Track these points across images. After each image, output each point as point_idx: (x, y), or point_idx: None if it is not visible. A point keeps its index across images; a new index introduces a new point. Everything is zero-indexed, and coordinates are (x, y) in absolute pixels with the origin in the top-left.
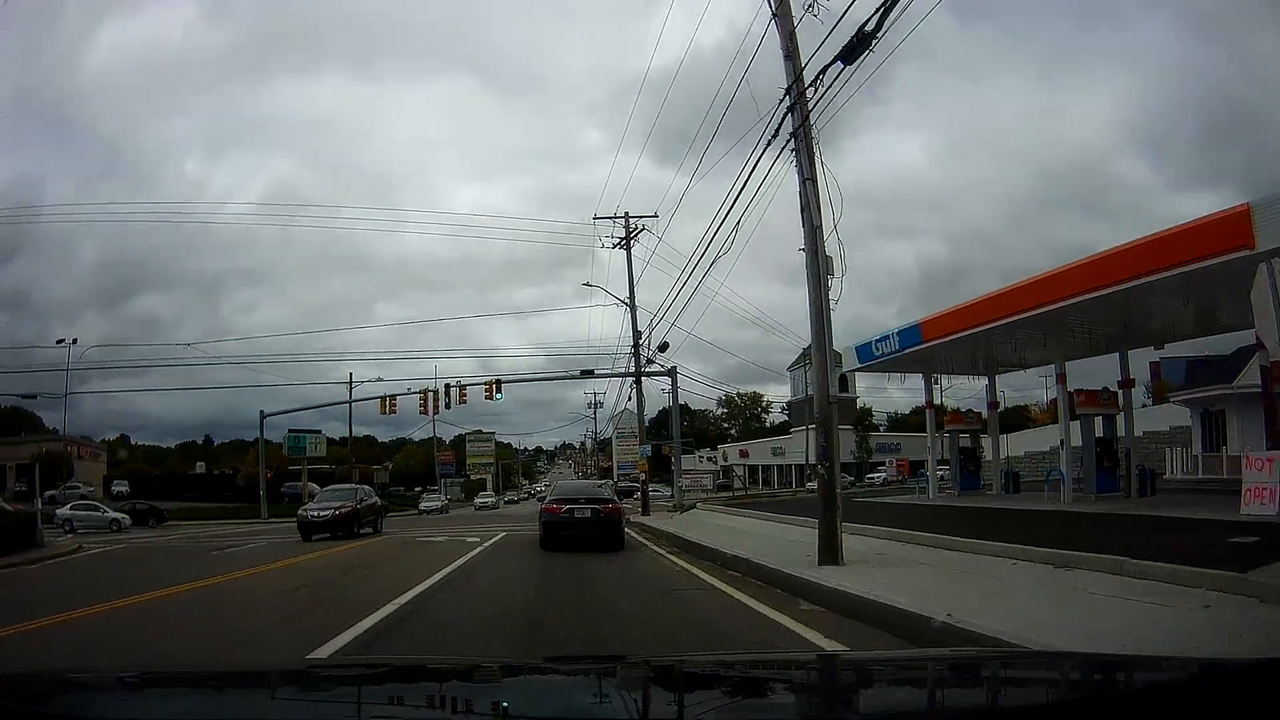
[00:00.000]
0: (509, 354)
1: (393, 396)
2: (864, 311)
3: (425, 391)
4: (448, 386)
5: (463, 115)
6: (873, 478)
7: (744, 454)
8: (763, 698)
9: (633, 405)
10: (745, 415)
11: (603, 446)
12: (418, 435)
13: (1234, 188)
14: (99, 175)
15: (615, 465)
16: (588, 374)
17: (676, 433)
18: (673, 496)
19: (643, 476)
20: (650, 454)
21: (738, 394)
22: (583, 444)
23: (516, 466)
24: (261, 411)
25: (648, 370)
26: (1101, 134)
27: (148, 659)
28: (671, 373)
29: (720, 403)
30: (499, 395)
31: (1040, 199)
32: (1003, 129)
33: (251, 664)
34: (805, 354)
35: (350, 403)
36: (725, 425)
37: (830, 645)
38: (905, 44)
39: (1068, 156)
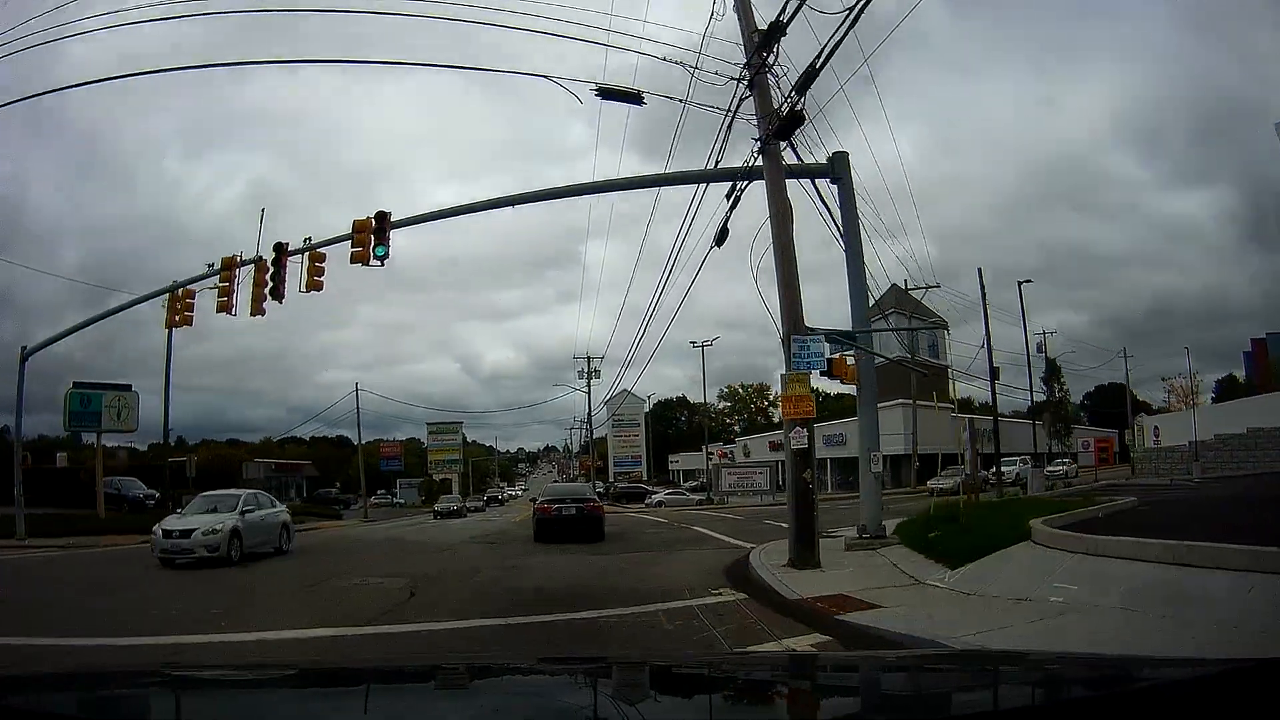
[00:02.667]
0: (490, 348)
1: (186, 286)
2: (847, 312)
3: (235, 263)
4: (280, 250)
5: (441, 111)
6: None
7: (775, 446)
8: (750, 698)
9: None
10: (750, 409)
11: (588, 448)
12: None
13: (1228, 185)
14: (77, 173)
15: (612, 461)
16: (610, 90)
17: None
18: (866, 485)
19: (800, 442)
20: (827, 367)
21: (741, 385)
22: (566, 446)
23: (492, 466)
24: (23, 348)
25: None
26: (1093, 129)
27: None
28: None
29: (721, 395)
30: (380, 250)
31: (1030, 195)
32: (992, 124)
33: (247, 664)
34: (894, 290)
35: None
36: (727, 420)
37: None
38: (893, 36)
39: (1058, 152)
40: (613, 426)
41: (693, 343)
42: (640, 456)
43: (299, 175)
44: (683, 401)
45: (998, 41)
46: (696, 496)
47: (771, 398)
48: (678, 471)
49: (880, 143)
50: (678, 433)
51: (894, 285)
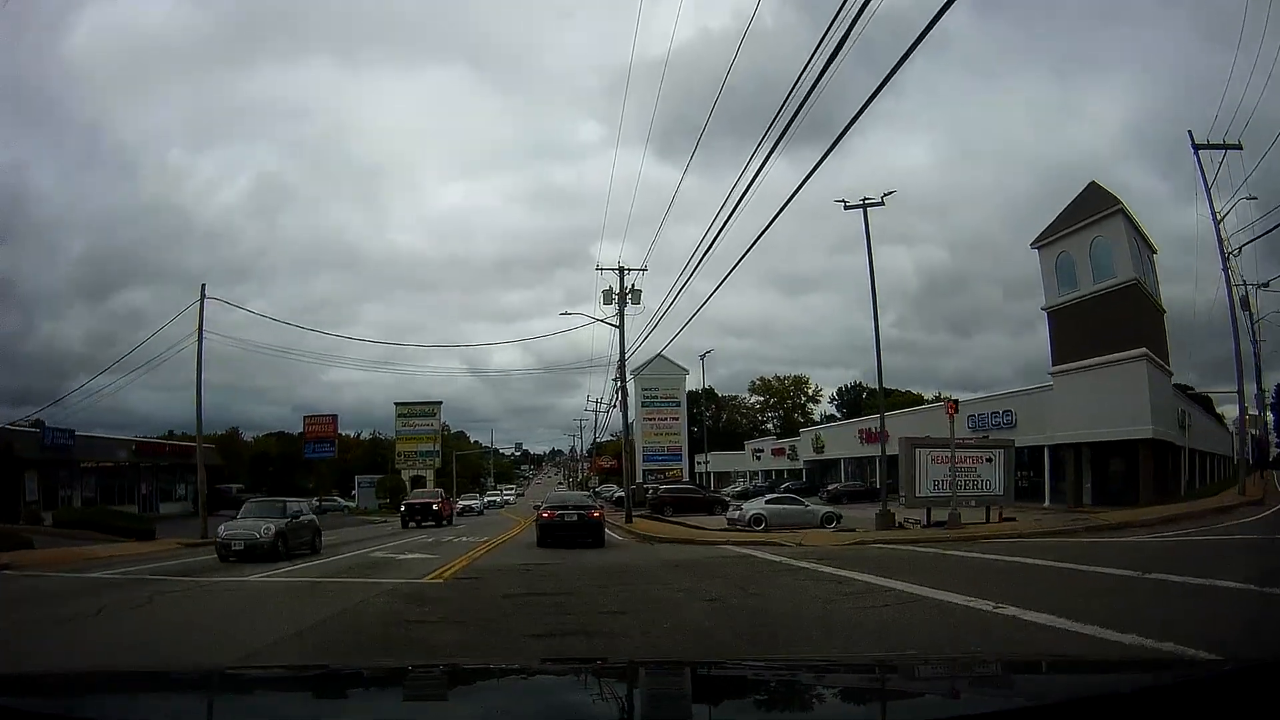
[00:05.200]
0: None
1: None
2: (856, 322)
3: None
4: None
5: (451, 107)
6: None
7: (870, 436)
8: (755, 697)
9: None
10: (787, 404)
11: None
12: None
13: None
14: (80, 165)
15: (641, 453)
16: None
17: None
18: None
19: None
20: None
21: (776, 377)
22: (573, 449)
23: (485, 464)
24: None
25: None
26: (1108, 139)
27: None
28: None
29: (753, 388)
30: None
31: (1043, 206)
32: (1007, 132)
33: (253, 664)
34: (1089, 196)
35: None
36: (760, 417)
37: None
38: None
39: (1072, 161)
40: (642, 406)
41: (844, 203)
42: (679, 448)
43: (305, 170)
44: (709, 395)
45: (1013, 52)
46: (823, 508)
47: (811, 391)
48: (708, 474)
49: None
50: (703, 431)
51: (1093, 183)
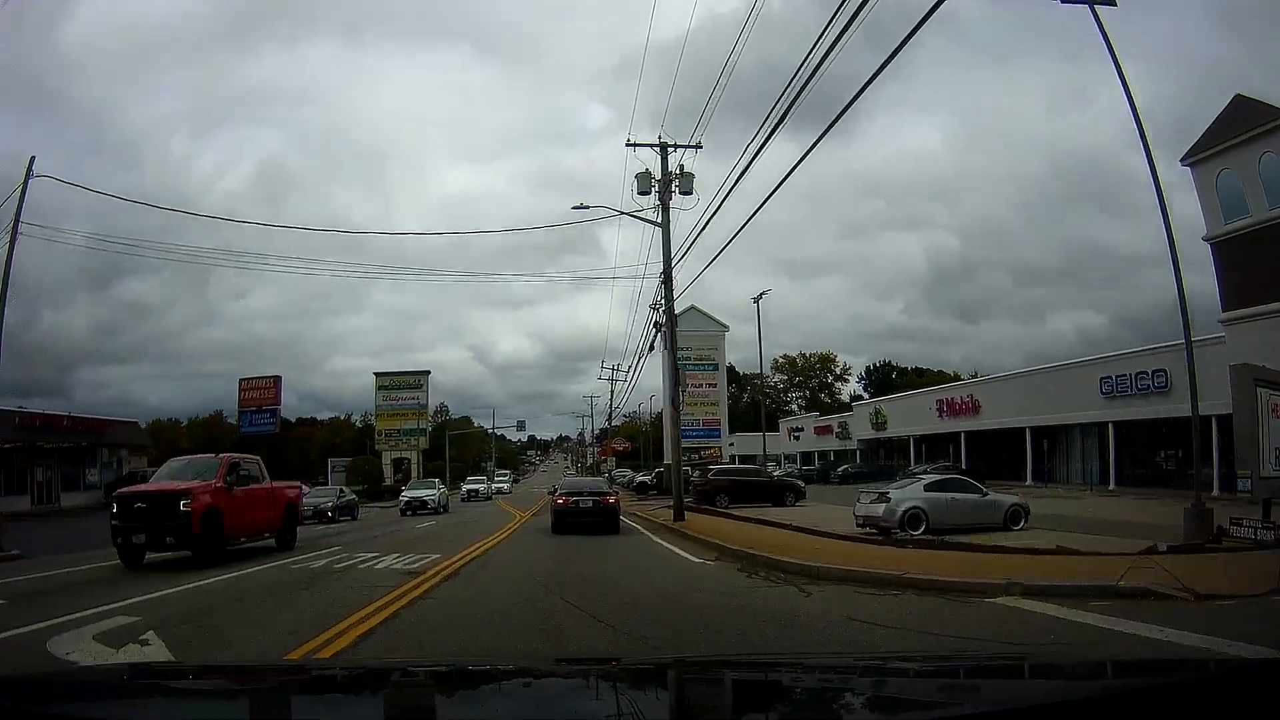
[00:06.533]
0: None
1: None
2: (865, 308)
3: None
4: None
5: (456, 90)
6: None
7: (955, 407)
8: (758, 693)
9: None
10: (813, 383)
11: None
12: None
13: None
14: (84, 152)
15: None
16: None
17: None
18: None
19: None
20: None
21: (801, 354)
22: (580, 434)
23: (487, 448)
24: None
25: None
26: (1120, 125)
27: None
28: None
29: (777, 366)
30: None
31: (1055, 192)
32: (1019, 116)
33: (258, 663)
34: (1238, 110)
35: None
36: (784, 397)
37: None
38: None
39: (1085, 147)
40: (684, 369)
41: None
42: (718, 422)
43: (309, 155)
44: (730, 372)
45: (1024, 34)
46: (1005, 498)
47: (839, 370)
48: (731, 456)
49: None
50: (760, 406)
51: (1239, 95)
